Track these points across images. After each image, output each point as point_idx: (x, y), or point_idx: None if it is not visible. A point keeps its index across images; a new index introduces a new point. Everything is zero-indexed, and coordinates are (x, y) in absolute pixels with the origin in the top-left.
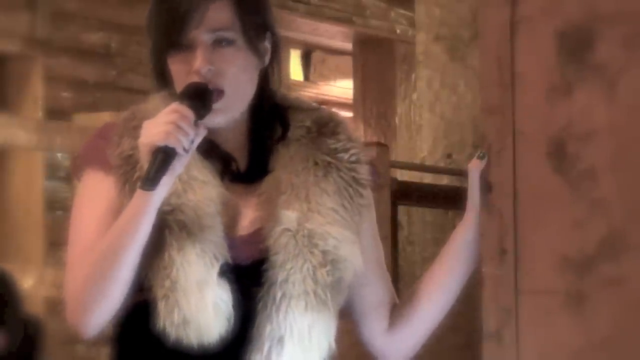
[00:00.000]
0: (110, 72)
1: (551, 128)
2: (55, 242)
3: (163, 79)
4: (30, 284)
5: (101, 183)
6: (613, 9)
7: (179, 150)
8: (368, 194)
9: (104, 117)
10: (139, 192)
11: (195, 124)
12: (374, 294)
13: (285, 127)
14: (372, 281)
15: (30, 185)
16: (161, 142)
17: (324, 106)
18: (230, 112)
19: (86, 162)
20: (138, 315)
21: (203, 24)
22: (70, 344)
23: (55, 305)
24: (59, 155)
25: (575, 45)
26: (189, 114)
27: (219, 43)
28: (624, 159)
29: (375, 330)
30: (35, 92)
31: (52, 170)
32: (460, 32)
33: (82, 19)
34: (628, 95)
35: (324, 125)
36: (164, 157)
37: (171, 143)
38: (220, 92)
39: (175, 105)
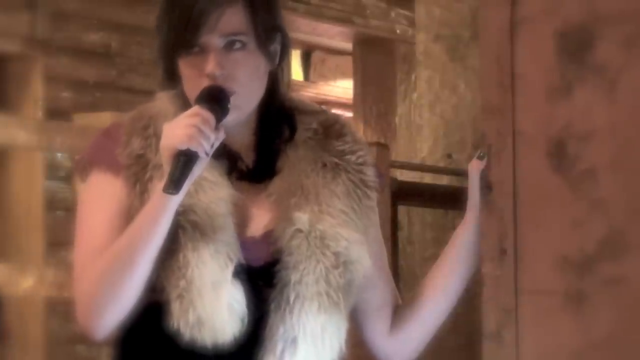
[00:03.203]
0: (110, 72)
1: (551, 128)
2: (55, 242)
3: (171, 78)
4: (30, 284)
5: (109, 184)
6: (613, 9)
7: (201, 154)
8: (374, 195)
9: (104, 117)
10: (158, 195)
11: (216, 128)
12: (378, 295)
13: (293, 128)
14: (376, 283)
15: (30, 185)
16: (184, 146)
17: (324, 107)
18: (240, 110)
19: (93, 163)
20: (148, 316)
21: (217, 29)
22: (71, 344)
23: (55, 305)
24: (59, 155)
25: (575, 46)
26: (210, 117)
27: (230, 46)
28: (624, 159)
29: (378, 331)
30: (35, 92)
31: (52, 170)
32: (460, 32)
33: (82, 19)
34: (628, 95)
35: (329, 127)
36: (186, 160)
37: (194, 147)
38: (232, 94)
39: (196, 109)
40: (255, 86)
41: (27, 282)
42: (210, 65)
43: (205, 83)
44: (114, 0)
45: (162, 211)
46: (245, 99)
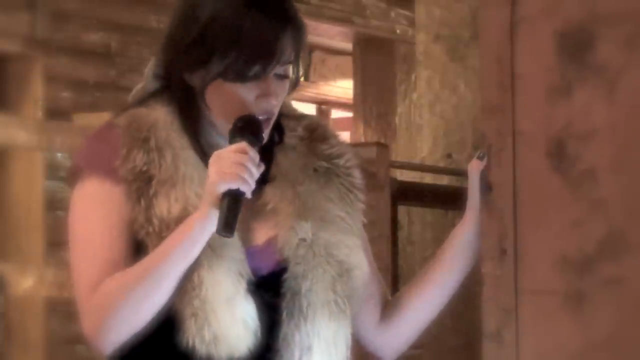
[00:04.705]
0: (110, 72)
1: (551, 128)
2: (55, 242)
3: (175, 88)
4: (30, 284)
5: (109, 192)
6: (613, 9)
7: (248, 193)
8: (362, 197)
9: (104, 117)
10: (198, 228)
11: (258, 165)
12: (365, 288)
13: (280, 132)
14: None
15: (30, 185)
16: (234, 186)
17: (324, 107)
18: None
19: (89, 168)
20: (155, 330)
21: (282, 59)
22: (71, 344)
23: (55, 305)
24: (59, 155)
25: (575, 46)
26: (256, 155)
27: (278, 75)
28: (624, 159)
29: (366, 323)
30: (35, 92)
31: (52, 170)
32: (460, 32)
33: (82, 19)
34: (628, 95)
35: (313, 131)
36: (235, 200)
37: (244, 188)
38: (270, 120)
39: (244, 146)
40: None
41: (27, 282)
42: (272, 97)
43: (253, 109)
44: (114, 0)
45: (199, 242)
46: (273, 121)
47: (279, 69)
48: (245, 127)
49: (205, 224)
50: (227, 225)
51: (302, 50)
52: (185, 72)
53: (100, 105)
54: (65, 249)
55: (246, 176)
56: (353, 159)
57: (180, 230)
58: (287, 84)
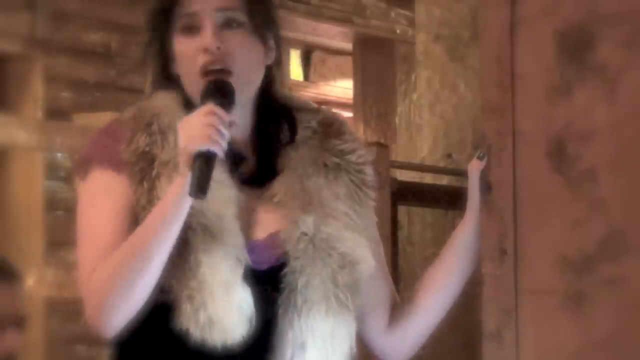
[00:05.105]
0: (110, 72)
1: (551, 128)
2: (55, 242)
3: (165, 77)
4: (30, 284)
5: (112, 181)
6: (613, 9)
7: (220, 153)
8: (373, 195)
9: (104, 117)
10: (177, 195)
11: (229, 125)
12: (376, 292)
13: (294, 128)
14: (375, 281)
15: (30, 185)
16: (204, 148)
17: (323, 107)
18: (238, 94)
19: (94, 160)
20: (152, 317)
21: (209, 1)
22: (71, 344)
23: (55, 305)
24: (59, 155)
25: (575, 45)
26: (224, 115)
27: (228, 25)
28: (624, 159)
29: (375, 328)
30: (35, 92)
31: (52, 170)
32: (460, 32)
33: (82, 19)
34: (628, 95)
35: (328, 125)
36: (208, 161)
37: (214, 147)
38: (228, 73)
39: (211, 107)
40: (252, 70)
41: (27, 282)
42: (208, 39)
43: (202, 60)
44: (114, 0)
45: (181, 210)
46: (242, 79)
47: (218, 16)
48: (215, 90)
49: (183, 190)
50: (199, 187)
51: (254, 3)
52: (159, 65)
53: (100, 105)
54: (65, 249)
55: (216, 137)
56: (366, 155)
57: (162, 202)
58: (243, 36)
